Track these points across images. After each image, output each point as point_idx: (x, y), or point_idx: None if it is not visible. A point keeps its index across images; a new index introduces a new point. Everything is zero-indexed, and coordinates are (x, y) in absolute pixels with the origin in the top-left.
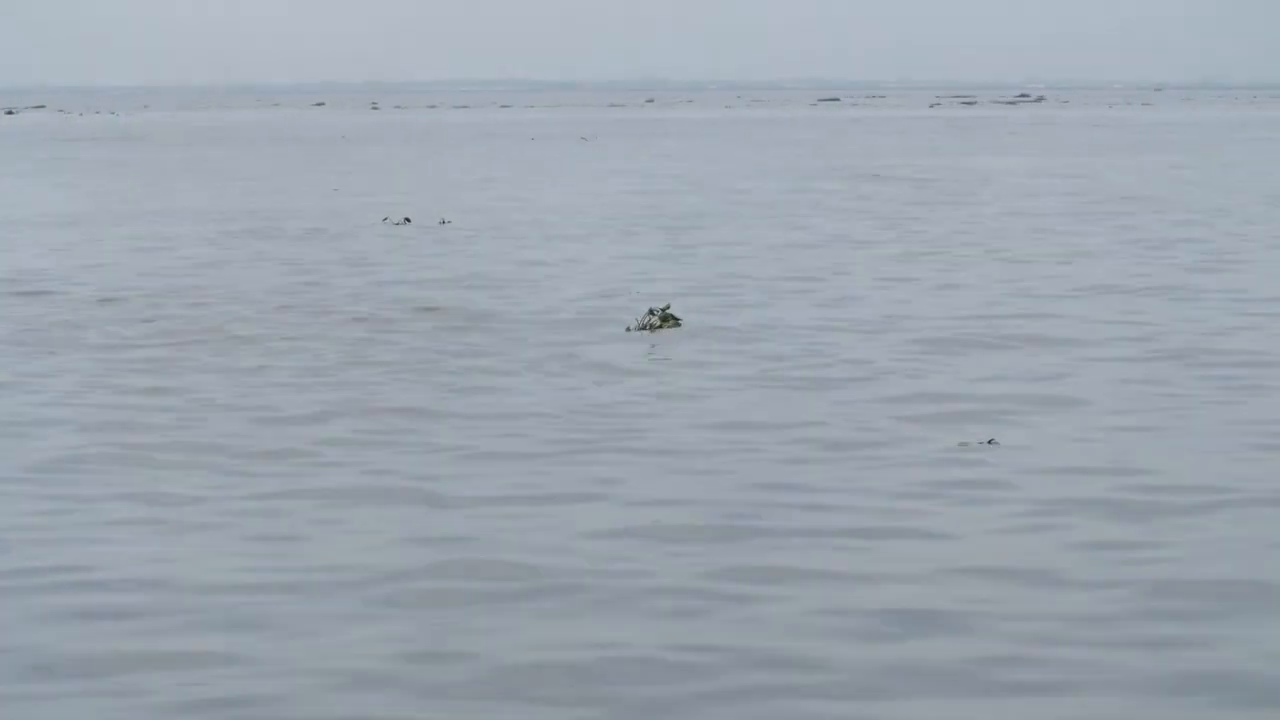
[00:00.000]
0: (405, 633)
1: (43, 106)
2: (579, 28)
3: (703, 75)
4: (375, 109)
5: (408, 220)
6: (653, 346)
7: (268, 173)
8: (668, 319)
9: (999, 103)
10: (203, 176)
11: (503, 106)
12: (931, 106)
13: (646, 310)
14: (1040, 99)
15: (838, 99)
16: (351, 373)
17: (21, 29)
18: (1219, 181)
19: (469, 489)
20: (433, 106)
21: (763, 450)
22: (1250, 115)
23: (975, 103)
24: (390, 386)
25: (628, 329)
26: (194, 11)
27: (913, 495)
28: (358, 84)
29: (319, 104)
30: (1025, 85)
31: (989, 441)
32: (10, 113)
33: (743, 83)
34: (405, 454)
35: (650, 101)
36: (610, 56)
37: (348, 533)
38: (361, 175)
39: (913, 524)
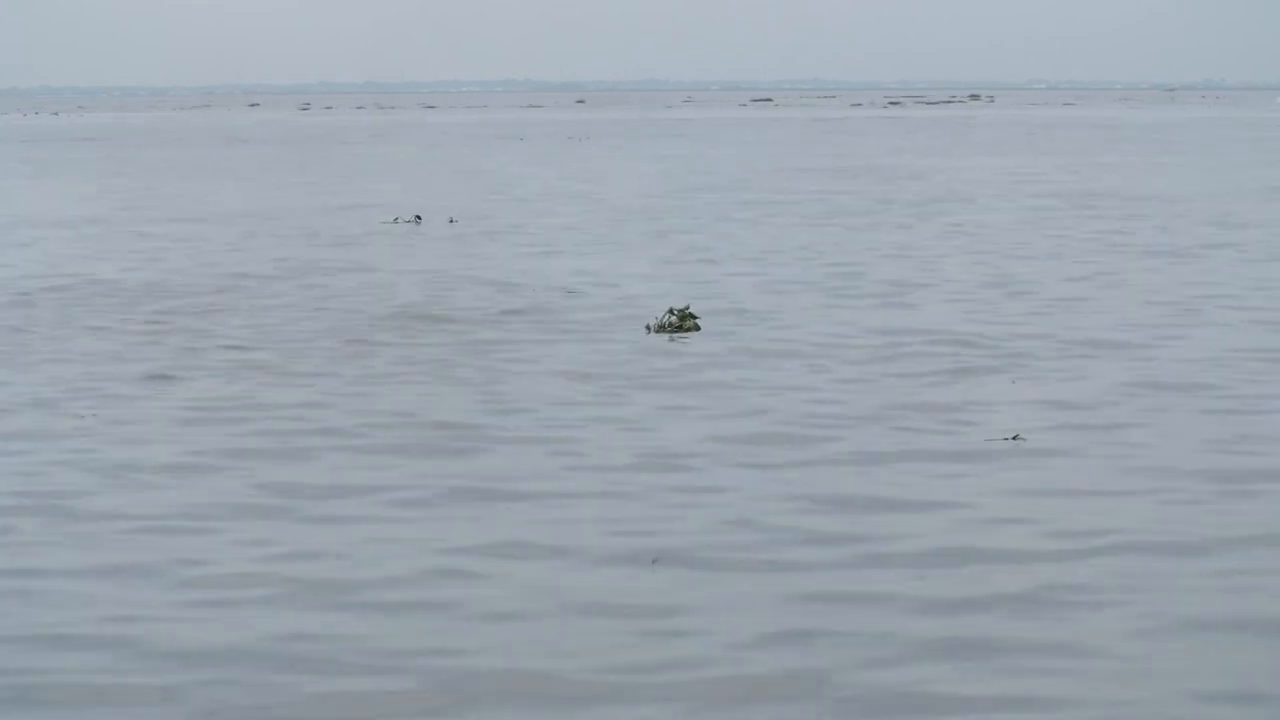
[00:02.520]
0: None
1: None
2: (579, 28)
3: (703, 76)
4: (305, 109)
5: (418, 219)
6: (674, 346)
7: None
8: (686, 318)
9: (920, 103)
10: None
11: (428, 107)
12: (854, 106)
13: (666, 310)
14: (975, 98)
15: (770, 99)
16: (358, 376)
17: (22, 30)
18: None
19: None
20: (360, 107)
21: (790, 452)
22: (1130, 116)
23: (900, 103)
24: (405, 389)
25: (647, 327)
26: (195, 13)
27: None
28: (359, 84)
29: (254, 104)
30: (1029, 84)
31: (1014, 438)
32: None
33: (744, 84)
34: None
35: (581, 102)
36: (610, 57)
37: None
38: (318, 174)
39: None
